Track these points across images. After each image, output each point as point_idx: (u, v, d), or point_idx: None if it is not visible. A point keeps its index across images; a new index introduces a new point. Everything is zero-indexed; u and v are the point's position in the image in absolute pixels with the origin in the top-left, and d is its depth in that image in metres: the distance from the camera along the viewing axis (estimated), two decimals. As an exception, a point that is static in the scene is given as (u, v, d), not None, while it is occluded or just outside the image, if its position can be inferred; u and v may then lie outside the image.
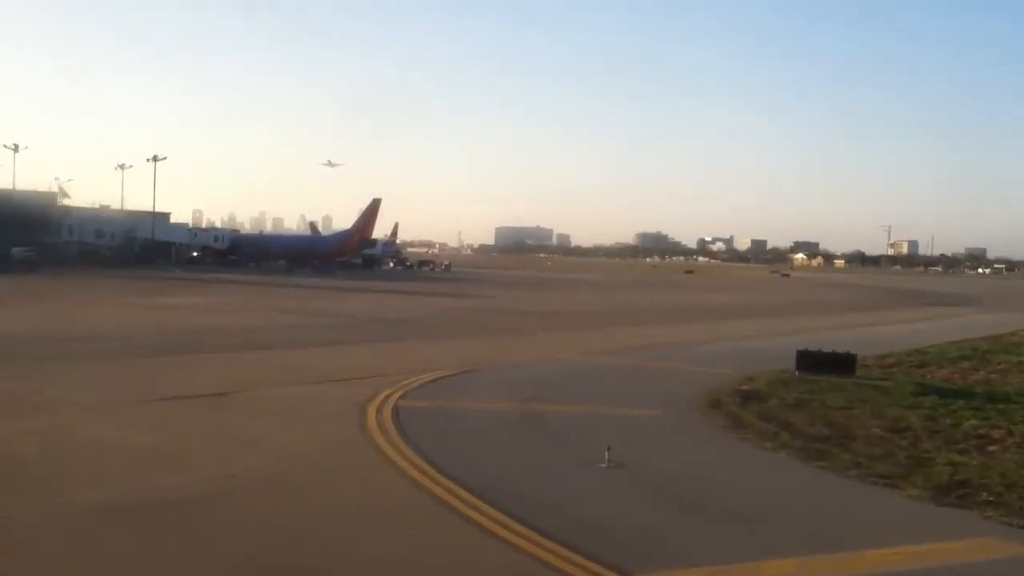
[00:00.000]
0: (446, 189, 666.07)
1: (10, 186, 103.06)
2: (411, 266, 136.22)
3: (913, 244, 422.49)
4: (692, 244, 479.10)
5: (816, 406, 20.48)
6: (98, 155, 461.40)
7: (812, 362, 25.88)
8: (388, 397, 19.95)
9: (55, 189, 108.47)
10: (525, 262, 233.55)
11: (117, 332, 32.48)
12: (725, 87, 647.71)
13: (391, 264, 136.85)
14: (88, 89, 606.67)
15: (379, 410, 18.42)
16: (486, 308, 53.16)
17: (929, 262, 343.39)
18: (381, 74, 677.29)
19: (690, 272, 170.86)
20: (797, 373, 25.25)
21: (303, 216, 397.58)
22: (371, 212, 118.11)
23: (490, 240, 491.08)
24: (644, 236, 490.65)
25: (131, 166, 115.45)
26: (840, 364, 25.75)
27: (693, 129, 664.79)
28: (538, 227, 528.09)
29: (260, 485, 12.87)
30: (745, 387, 22.97)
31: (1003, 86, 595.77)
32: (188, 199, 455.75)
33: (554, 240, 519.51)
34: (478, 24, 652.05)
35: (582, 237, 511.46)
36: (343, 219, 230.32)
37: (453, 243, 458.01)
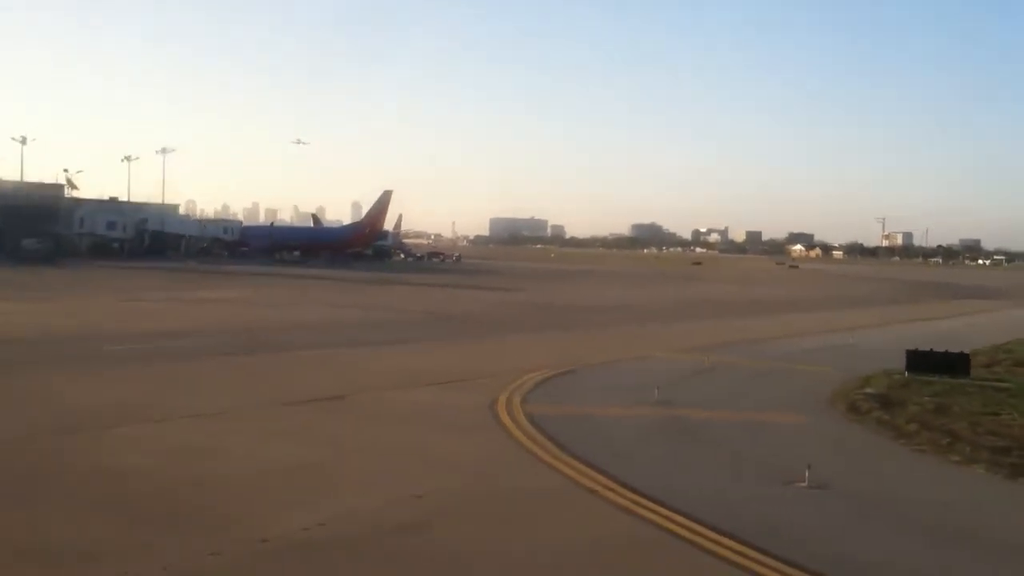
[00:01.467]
0: (439, 180, 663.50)
1: (17, 178, 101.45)
2: (421, 257, 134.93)
3: (907, 236, 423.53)
4: (686, 235, 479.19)
5: (959, 411, 19.46)
6: (98, 147, 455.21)
7: (923, 362, 24.90)
8: (509, 401, 18.93)
9: (63, 181, 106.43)
10: (526, 254, 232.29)
11: (188, 329, 31.13)
12: (719, 79, 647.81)
13: (401, 255, 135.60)
14: (87, 81, 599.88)
15: (512, 417, 17.36)
16: (531, 302, 51.93)
17: (927, 254, 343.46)
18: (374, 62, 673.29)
19: (698, 264, 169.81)
20: (907, 374, 24.32)
21: (296, 207, 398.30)
22: (383, 204, 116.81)
23: (484, 231, 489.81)
24: (639, 227, 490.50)
25: (137, 158, 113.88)
26: (953, 364, 24.78)
27: (686, 121, 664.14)
28: (533, 218, 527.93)
29: (458, 509, 11.69)
30: (869, 390, 22.00)
31: (996, 78, 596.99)
32: (181, 191, 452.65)
33: (548, 231, 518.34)
34: (473, 12, 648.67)
35: (576, 228, 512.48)
36: (336, 210, 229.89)
37: (447, 234, 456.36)
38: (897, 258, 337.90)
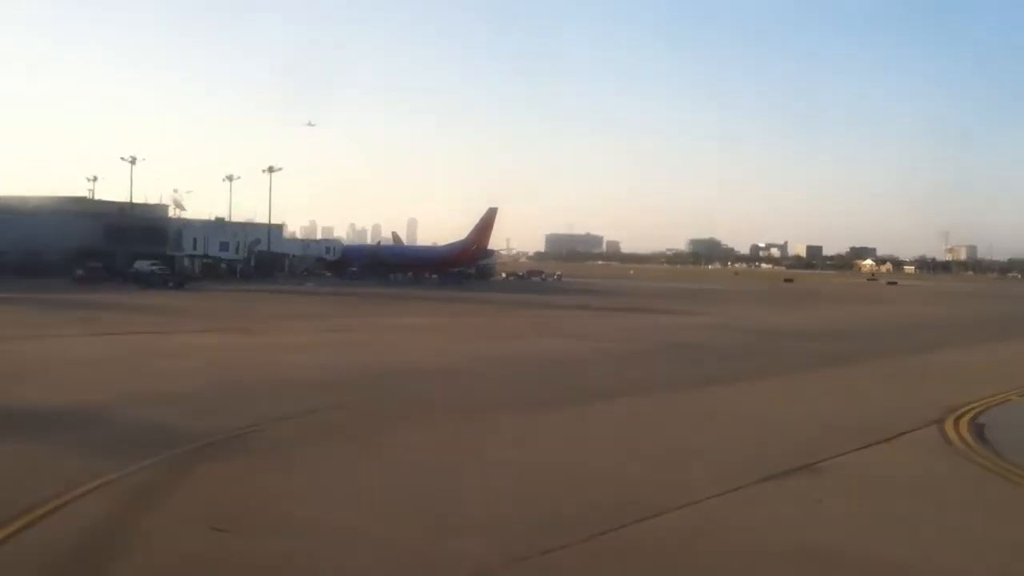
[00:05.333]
0: (491, 196, 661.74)
1: (125, 198, 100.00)
2: (523, 276, 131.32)
3: (972, 249, 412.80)
4: (744, 250, 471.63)
5: None
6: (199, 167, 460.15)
7: None
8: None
9: (172, 201, 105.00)
10: (597, 270, 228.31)
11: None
12: (777, 93, 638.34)
13: (503, 275, 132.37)
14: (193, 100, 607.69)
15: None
16: (739, 327, 47.82)
17: (1002, 268, 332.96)
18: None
19: (790, 280, 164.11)
20: None
21: (352, 225, 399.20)
22: (487, 221, 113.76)
23: (539, 247, 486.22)
24: (697, 242, 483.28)
25: (239, 177, 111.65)
26: None
27: (741, 134, 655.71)
28: (588, 234, 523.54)
29: None
30: None
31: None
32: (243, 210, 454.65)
33: (604, 247, 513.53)
34: (525, 24, 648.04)
35: (631, 244, 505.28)
36: (389, 229, 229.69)
37: (501, 250, 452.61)
38: (971, 272, 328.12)
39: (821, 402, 22.66)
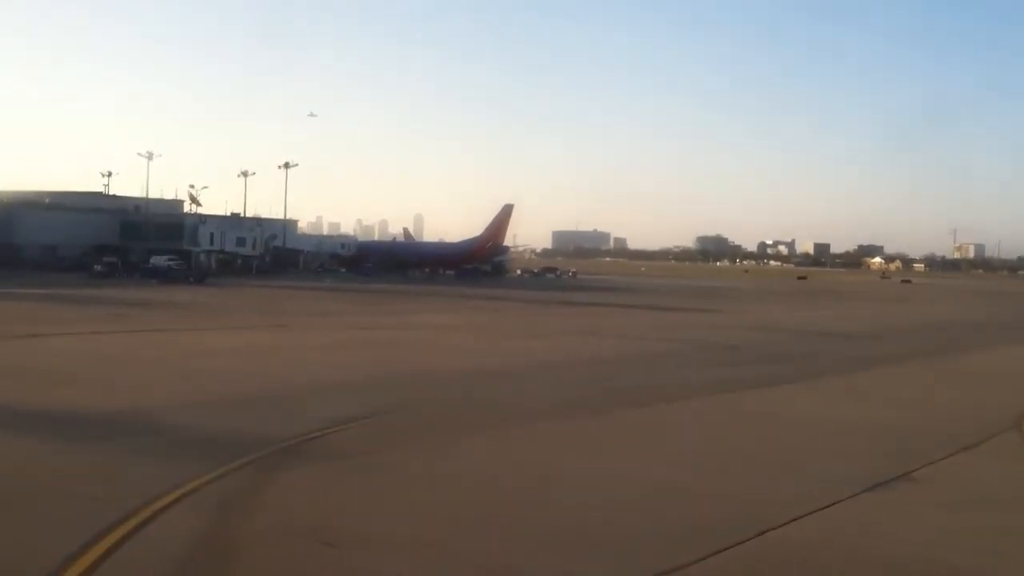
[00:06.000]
0: (498, 192, 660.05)
1: (141, 194, 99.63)
2: (538, 273, 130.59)
3: (980, 247, 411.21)
4: (751, 247, 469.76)
5: None
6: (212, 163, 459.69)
7: None
8: None
9: (188, 197, 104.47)
10: (607, 267, 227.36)
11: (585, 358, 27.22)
12: (782, 91, 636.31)
13: (518, 271, 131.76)
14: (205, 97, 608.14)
15: None
16: (775, 326, 47.25)
17: (1012, 266, 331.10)
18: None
19: (803, 278, 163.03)
20: None
21: (359, 220, 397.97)
22: (503, 218, 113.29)
23: (546, 244, 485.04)
24: (704, 239, 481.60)
25: (254, 173, 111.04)
26: None
27: (746, 132, 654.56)
28: (595, 231, 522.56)
29: None
30: None
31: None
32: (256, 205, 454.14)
33: (611, 244, 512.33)
34: (532, 19, 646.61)
35: (637, 241, 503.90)
36: (397, 225, 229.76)
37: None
38: (980, 271, 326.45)
39: (891, 406, 22.10)
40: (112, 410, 17.85)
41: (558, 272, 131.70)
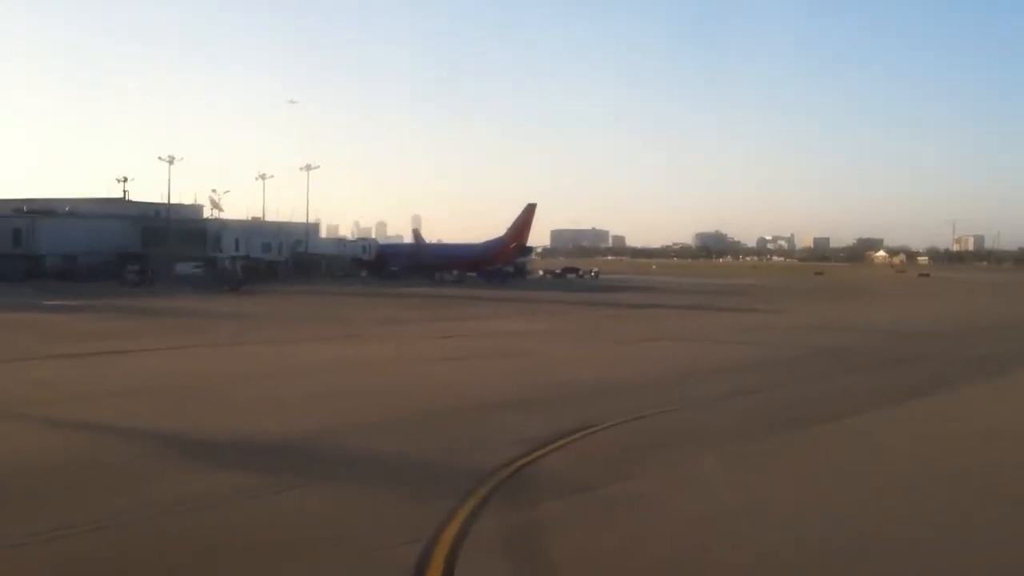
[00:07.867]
0: (495, 192, 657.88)
1: (163, 199, 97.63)
2: (560, 274, 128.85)
3: (979, 239, 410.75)
4: (750, 243, 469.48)
5: None
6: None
7: None
8: None
9: (209, 201, 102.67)
10: (613, 265, 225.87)
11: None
12: (777, 84, 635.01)
13: (540, 272, 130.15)
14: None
15: None
16: (853, 327, 45.69)
17: (1018, 258, 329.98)
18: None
19: (820, 274, 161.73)
20: None
21: (357, 222, 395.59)
22: (526, 218, 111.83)
23: (544, 242, 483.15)
24: (703, 236, 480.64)
25: (272, 176, 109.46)
26: None
27: (745, 126, 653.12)
28: (594, 229, 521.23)
29: None
30: None
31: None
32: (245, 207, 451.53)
33: (609, 242, 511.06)
34: (526, 17, 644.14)
35: (637, 238, 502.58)
36: (396, 226, 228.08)
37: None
38: (984, 263, 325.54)
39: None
40: (279, 436, 16.24)
41: (580, 272, 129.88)
